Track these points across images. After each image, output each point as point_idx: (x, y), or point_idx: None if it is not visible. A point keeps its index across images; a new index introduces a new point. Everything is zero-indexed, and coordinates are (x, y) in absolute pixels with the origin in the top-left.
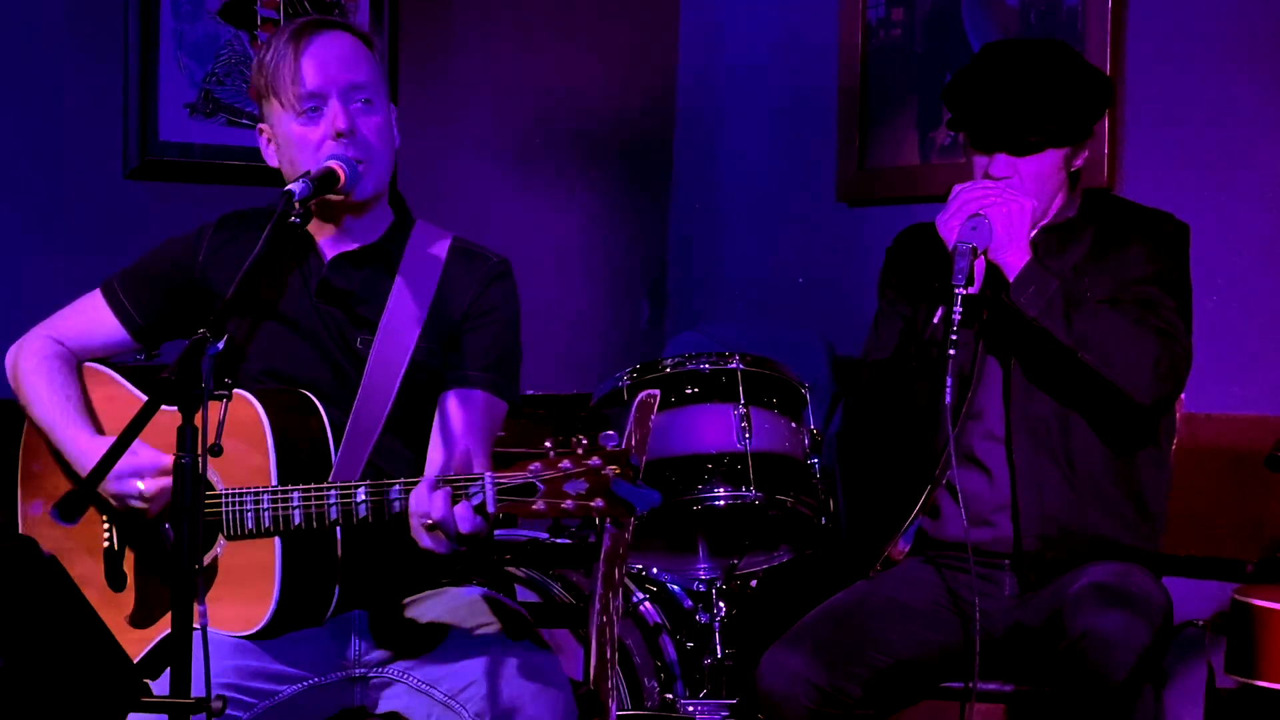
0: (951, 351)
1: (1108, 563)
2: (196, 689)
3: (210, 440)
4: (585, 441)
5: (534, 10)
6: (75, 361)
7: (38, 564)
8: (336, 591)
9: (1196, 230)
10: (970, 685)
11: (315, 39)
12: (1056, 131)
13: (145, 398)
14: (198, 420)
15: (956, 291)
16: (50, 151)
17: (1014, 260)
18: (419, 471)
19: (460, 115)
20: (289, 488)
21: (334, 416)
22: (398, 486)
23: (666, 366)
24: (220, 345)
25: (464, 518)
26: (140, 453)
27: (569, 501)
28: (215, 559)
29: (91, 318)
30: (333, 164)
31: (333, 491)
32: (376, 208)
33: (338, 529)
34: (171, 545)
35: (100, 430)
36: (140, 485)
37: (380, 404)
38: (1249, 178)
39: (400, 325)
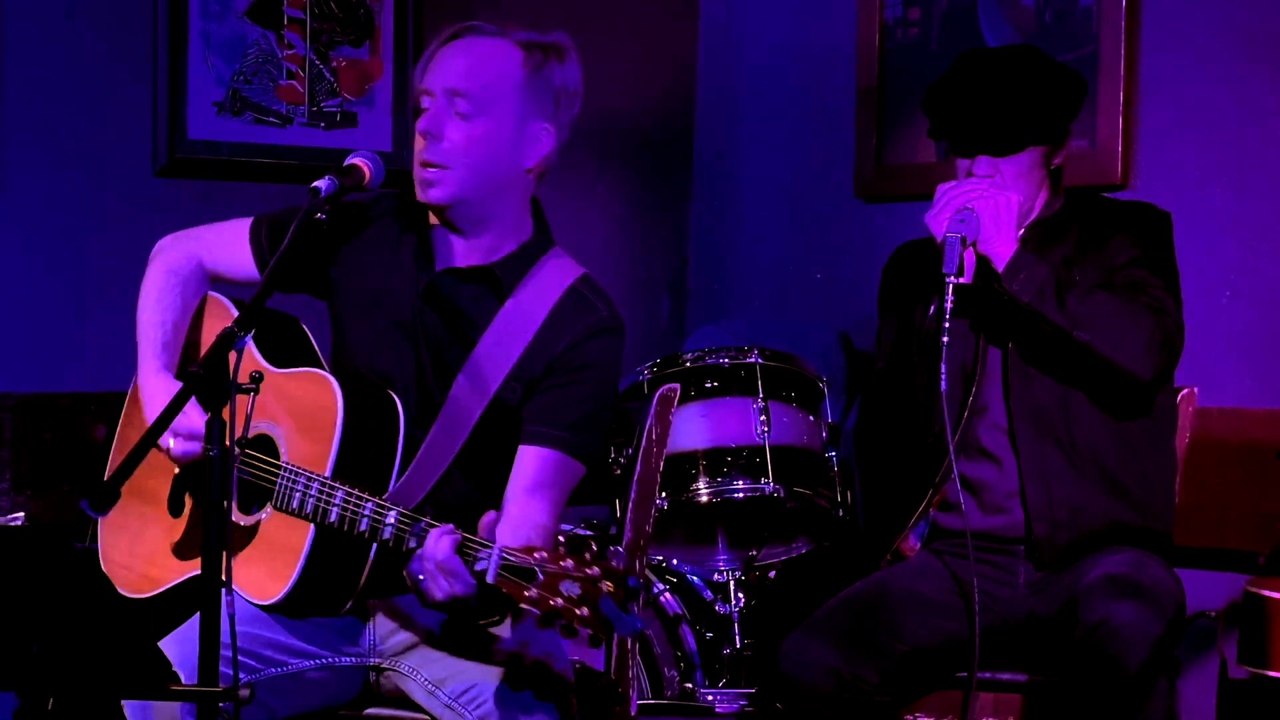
0: (945, 339)
1: (1121, 552)
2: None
3: (239, 434)
4: (594, 549)
5: (555, 9)
6: (205, 280)
7: (70, 556)
8: (356, 594)
9: (1210, 227)
10: (972, 674)
11: (460, 40)
12: (1033, 129)
13: None
14: (225, 414)
15: (948, 280)
16: (81, 149)
17: (1003, 250)
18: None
19: None
20: (337, 484)
21: (411, 434)
22: (423, 523)
23: (686, 361)
24: (248, 340)
25: (459, 574)
26: (188, 413)
27: (558, 600)
28: (259, 522)
29: (233, 247)
30: (357, 160)
31: (369, 504)
32: (497, 226)
33: (374, 542)
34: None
35: (187, 359)
36: (171, 443)
37: (457, 434)
38: (1262, 175)
39: (493, 355)
